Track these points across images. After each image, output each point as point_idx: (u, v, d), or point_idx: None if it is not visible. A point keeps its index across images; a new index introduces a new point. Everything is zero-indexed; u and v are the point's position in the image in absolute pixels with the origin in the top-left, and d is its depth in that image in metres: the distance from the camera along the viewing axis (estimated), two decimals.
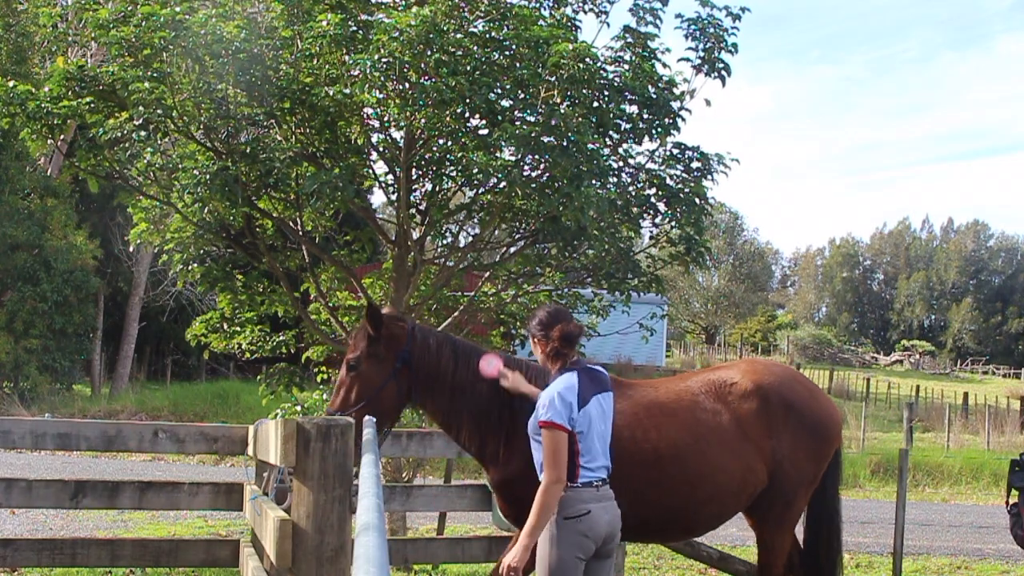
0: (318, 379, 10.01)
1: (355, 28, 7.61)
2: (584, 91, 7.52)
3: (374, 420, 4.42)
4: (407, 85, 7.25)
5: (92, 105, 7.84)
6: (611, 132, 8.15)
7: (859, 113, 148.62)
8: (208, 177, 7.42)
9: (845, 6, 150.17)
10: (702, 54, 8.24)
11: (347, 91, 7.27)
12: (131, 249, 27.73)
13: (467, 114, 7.76)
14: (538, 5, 8.59)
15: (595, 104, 7.75)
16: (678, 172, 8.50)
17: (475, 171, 7.27)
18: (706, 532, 5.21)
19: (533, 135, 7.17)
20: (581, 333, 4.30)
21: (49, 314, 25.51)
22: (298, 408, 8.88)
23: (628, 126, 8.20)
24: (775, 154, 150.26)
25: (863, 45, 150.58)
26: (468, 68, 7.34)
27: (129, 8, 7.71)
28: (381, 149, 8.63)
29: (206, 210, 7.91)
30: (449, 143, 7.84)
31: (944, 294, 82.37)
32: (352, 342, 4.77)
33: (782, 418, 4.79)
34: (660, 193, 8.43)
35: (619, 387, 4.90)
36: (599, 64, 7.60)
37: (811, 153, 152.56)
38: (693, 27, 8.24)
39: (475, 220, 9.21)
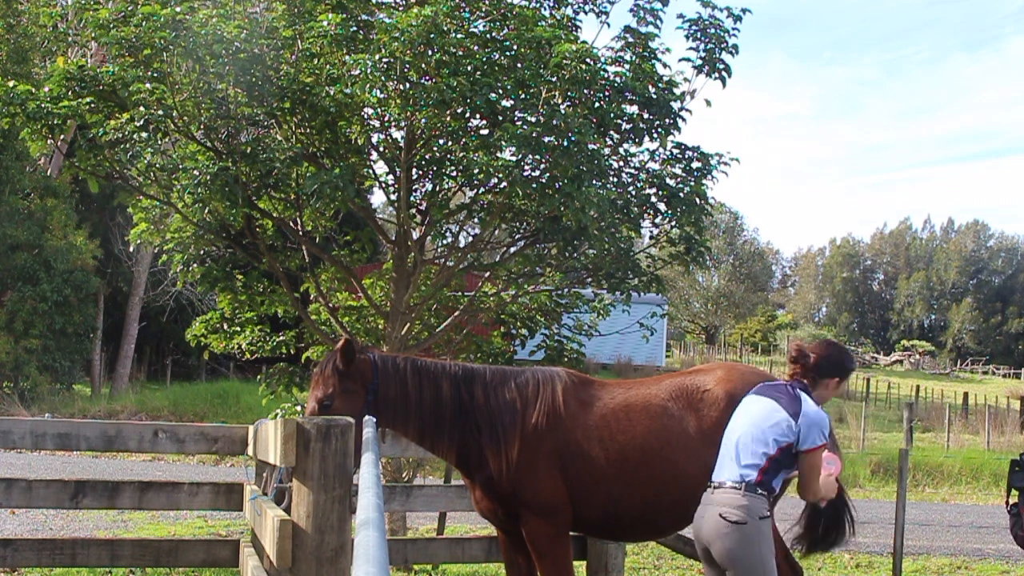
0: None
1: (356, 28, 7.61)
2: (585, 91, 7.52)
3: (374, 420, 4.42)
4: (408, 85, 7.25)
5: (92, 105, 7.84)
6: (612, 132, 8.14)
7: (866, 114, 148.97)
8: (208, 177, 7.42)
9: (857, 8, 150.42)
10: (703, 55, 8.23)
11: (348, 91, 7.27)
12: (131, 249, 27.73)
13: (468, 114, 7.76)
14: (539, 5, 8.59)
15: (596, 104, 7.75)
16: (678, 172, 8.50)
17: (476, 171, 7.27)
18: (671, 534, 5.33)
19: (534, 135, 7.17)
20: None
21: (49, 314, 25.52)
22: (298, 408, 8.88)
23: (628, 126, 8.20)
24: (780, 155, 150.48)
25: (874, 47, 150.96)
26: (469, 68, 7.34)
27: (129, 8, 7.71)
28: (381, 149, 8.63)
29: (206, 210, 7.91)
30: (450, 143, 7.84)
31: (944, 294, 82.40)
32: (318, 379, 4.76)
33: None
34: (660, 193, 8.43)
35: (590, 386, 4.97)
36: (600, 64, 7.60)
37: (815, 154, 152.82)
38: (694, 28, 8.23)
39: (475, 220, 9.20)
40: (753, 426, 4.14)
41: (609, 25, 8.70)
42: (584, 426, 4.80)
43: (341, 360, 4.69)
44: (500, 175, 7.28)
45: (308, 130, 8.13)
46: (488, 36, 7.85)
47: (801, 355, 4.27)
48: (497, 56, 7.70)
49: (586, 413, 4.84)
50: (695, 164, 8.49)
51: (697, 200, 8.36)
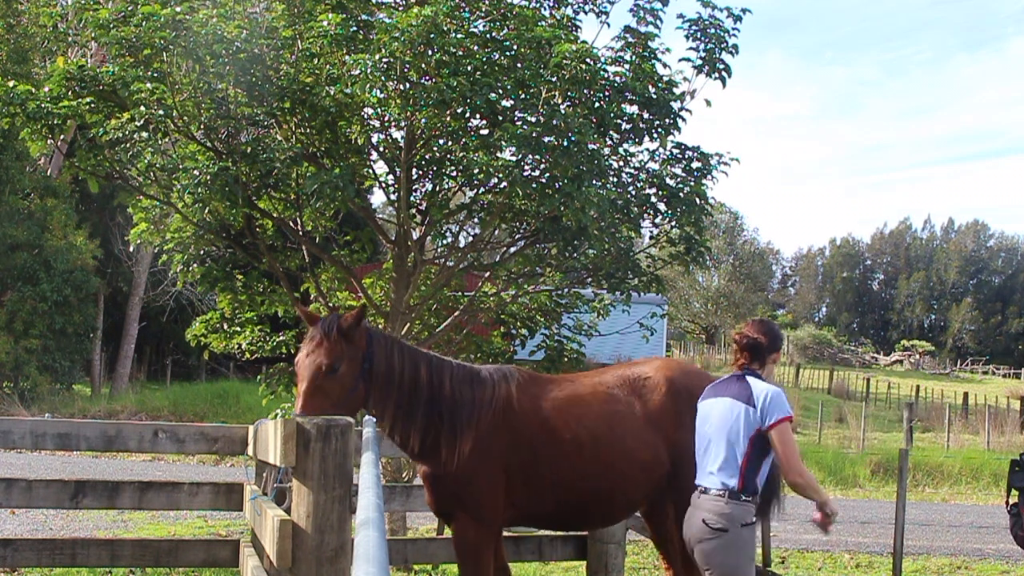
0: None
1: (356, 28, 7.60)
2: (585, 91, 7.52)
3: (374, 420, 4.41)
4: (408, 85, 7.25)
5: (92, 105, 7.84)
6: (611, 132, 8.14)
7: (866, 114, 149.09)
8: (208, 177, 7.42)
9: (857, 8, 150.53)
10: (703, 55, 8.22)
11: (348, 91, 7.26)
12: (131, 249, 27.74)
13: (468, 114, 7.75)
14: (539, 5, 8.58)
15: (596, 104, 7.74)
16: (678, 172, 8.50)
17: (476, 171, 7.27)
18: (622, 519, 5.45)
19: (534, 135, 7.17)
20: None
21: (49, 314, 25.51)
22: None
23: (628, 126, 8.20)
24: (780, 155, 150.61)
25: (875, 47, 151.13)
26: (469, 68, 7.34)
27: (129, 8, 7.71)
28: (381, 149, 8.63)
29: (206, 210, 7.90)
30: (450, 143, 7.83)
31: (944, 294, 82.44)
32: (321, 341, 4.63)
33: (688, 412, 5.01)
34: (660, 193, 8.43)
35: (540, 382, 5.11)
36: (600, 64, 7.59)
37: (816, 154, 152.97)
38: (694, 28, 8.22)
39: (475, 220, 9.20)
40: (720, 429, 4.24)
41: (609, 25, 8.70)
42: (540, 419, 4.89)
43: (349, 323, 4.61)
44: (500, 175, 7.28)
45: (308, 130, 8.12)
46: (488, 36, 7.85)
47: (752, 342, 4.37)
48: (497, 56, 7.70)
49: (539, 407, 4.94)
50: (695, 164, 8.49)
51: (697, 200, 8.36)
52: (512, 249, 9.21)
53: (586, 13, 8.70)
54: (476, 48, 7.59)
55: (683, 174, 8.48)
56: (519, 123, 7.48)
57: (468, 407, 4.80)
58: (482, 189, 8.22)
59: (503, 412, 4.83)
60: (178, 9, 7.37)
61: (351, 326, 4.62)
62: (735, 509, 4.11)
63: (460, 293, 9.86)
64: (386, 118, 7.87)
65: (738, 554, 4.09)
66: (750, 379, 4.28)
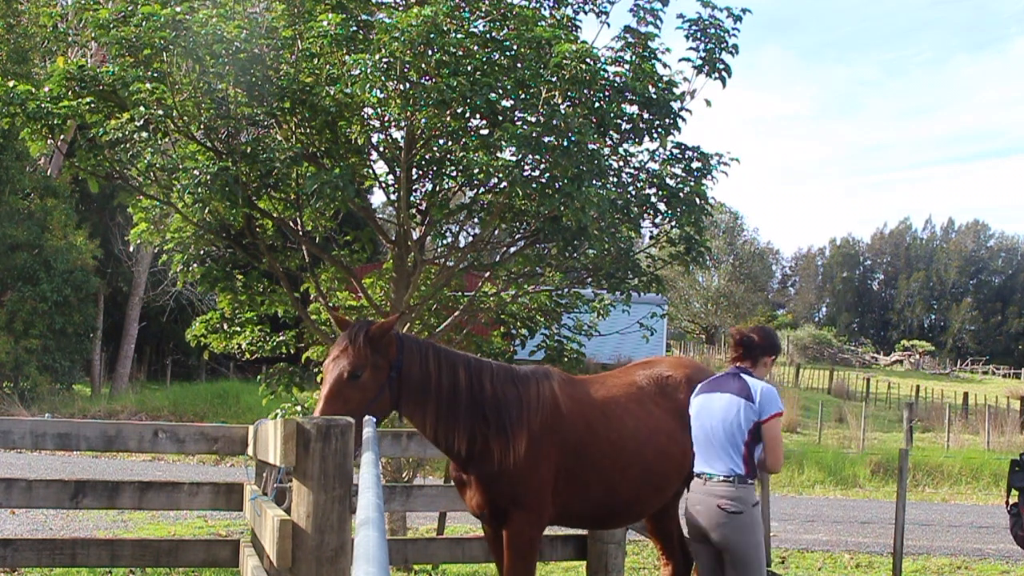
0: (318, 379, 9.97)
1: (356, 28, 7.61)
2: (585, 91, 7.52)
3: (374, 420, 4.41)
4: (408, 85, 7.25)
5: (92, 105, 7.83)
6: (612, 132, 8.14)
7: (866, 114, 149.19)
8: (208, 177, 7.41)
9: (857, 8, 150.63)
10: (703, 55, 8.22)
11: (348, 91, 7.26)
12: (131, 249, 27.75)
13: (468, 114, 7.75)
14: (539, 5, 8.58)
15: (596, 104, 7.74)
16: (678, 172, 8.50)
17: (476, 171, 7.27)
18: (649, 513, 5.51)
19: (534, 135, 7.17)
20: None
21: (49, 314, 25.51)
22: (298, 408, 8.88)
23: (628, 126, 8.19)
24: (780, 155, 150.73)
25: (875, 47, 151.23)
26: (469, 68, 7.34)
27: (129, 8, 7.71)
28: (381, 149, 8.63)
29: (206, 210, 7.89)
30: (450, 143, 7.83)
31: (944, 294, 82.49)
32: (347, 347, 4.60)
33: None
34: (660, 193, 8.43)
35: (575, 383, 5.15)
36: (600, 64, 7.59)
37: (816, 154, 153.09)
38: (694, 28, 8.22)
39: (475, 220, 9.20)
40: (723, 421, 4.56)
41: (609, 25, 8.70)
42: (584, 421, 4.91)
43: (376, 332, 4.57)
44: (500, 175, 7.28)
45: (308, 130, 8.12)
46: (488, 36, 7.85)
47: (746, 339, 4.72)
48: (497, 56, 7.70)
49: (583, 409, 4.95)
50: (695, 164, 8.49)
51: (697, 200, 8.36)
52: (512, 249, 9.21)
53: (586, 13, 8.70)
54: (476, 48, 7.59)
55: (683, 174, 8.48)
56: (519, 123, 7.47)
57: (516, 406, 4.78)
58: (482, 189, 8.22)
59: (551, 414, 4.83)
60: (178, 9, 7.36)
61: (378, 335, 4.58)
62: (745, 492, 4.48)
63: (460, 293, 9.86)
64: (386, 118, 7.87)
65: (754, 531, 4.48)
66: (746, 377, 4.62)
